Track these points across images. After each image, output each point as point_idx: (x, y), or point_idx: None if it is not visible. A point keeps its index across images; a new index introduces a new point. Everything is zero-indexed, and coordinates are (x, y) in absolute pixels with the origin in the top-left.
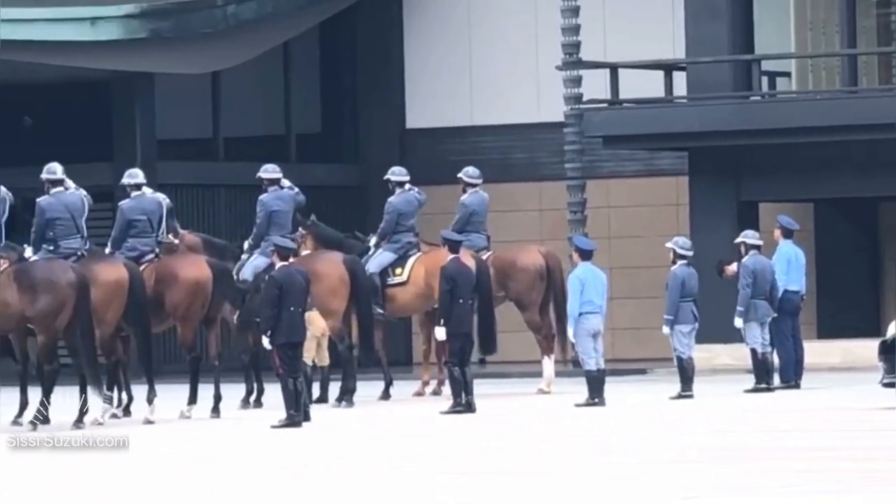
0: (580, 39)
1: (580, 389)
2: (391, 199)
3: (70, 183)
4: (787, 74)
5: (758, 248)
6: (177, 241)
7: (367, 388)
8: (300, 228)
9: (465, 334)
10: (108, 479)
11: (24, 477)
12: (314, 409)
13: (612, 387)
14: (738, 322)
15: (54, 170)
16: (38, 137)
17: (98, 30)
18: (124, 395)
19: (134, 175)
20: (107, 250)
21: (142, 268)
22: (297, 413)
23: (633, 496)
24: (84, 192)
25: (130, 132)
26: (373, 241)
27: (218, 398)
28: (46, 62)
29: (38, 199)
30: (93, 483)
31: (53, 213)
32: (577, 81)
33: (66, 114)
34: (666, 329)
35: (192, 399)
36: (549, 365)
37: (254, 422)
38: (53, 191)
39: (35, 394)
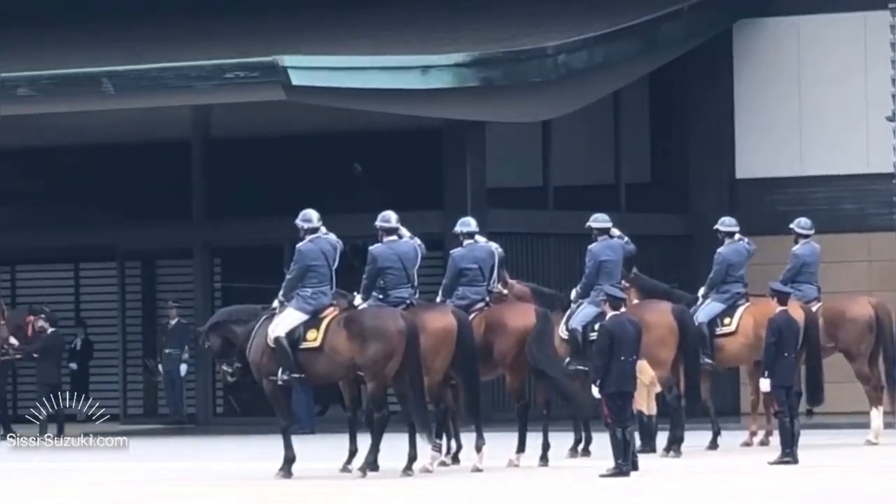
0: None
1: None
2: (721, 249)
3: (405, 231)
4: None
5: None
6: (506, 291)
7: (695, 438)
8: (622, 281)
9: (790, 387)
10: None
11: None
12: (642, 459)
13: None
14: None
15: (389, 218)
16: (368, 184)
17: (429, 78)
18: (453, 443)
19: (466, 224)
20: (437, 298)
21: (471, 316)
22: (625, 462)
23: None
24: (418, 241)
25: (461, 180)
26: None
27: (546, 446)
28: (378, 110)
29: (370, 248)
30: None
31: (385, 262)
32: None
33: (397, 161)
34: None
35: (521, 447)
36: (877, 416)
37: (582, 471)
38: (387, 239)
39: (364, 441)
